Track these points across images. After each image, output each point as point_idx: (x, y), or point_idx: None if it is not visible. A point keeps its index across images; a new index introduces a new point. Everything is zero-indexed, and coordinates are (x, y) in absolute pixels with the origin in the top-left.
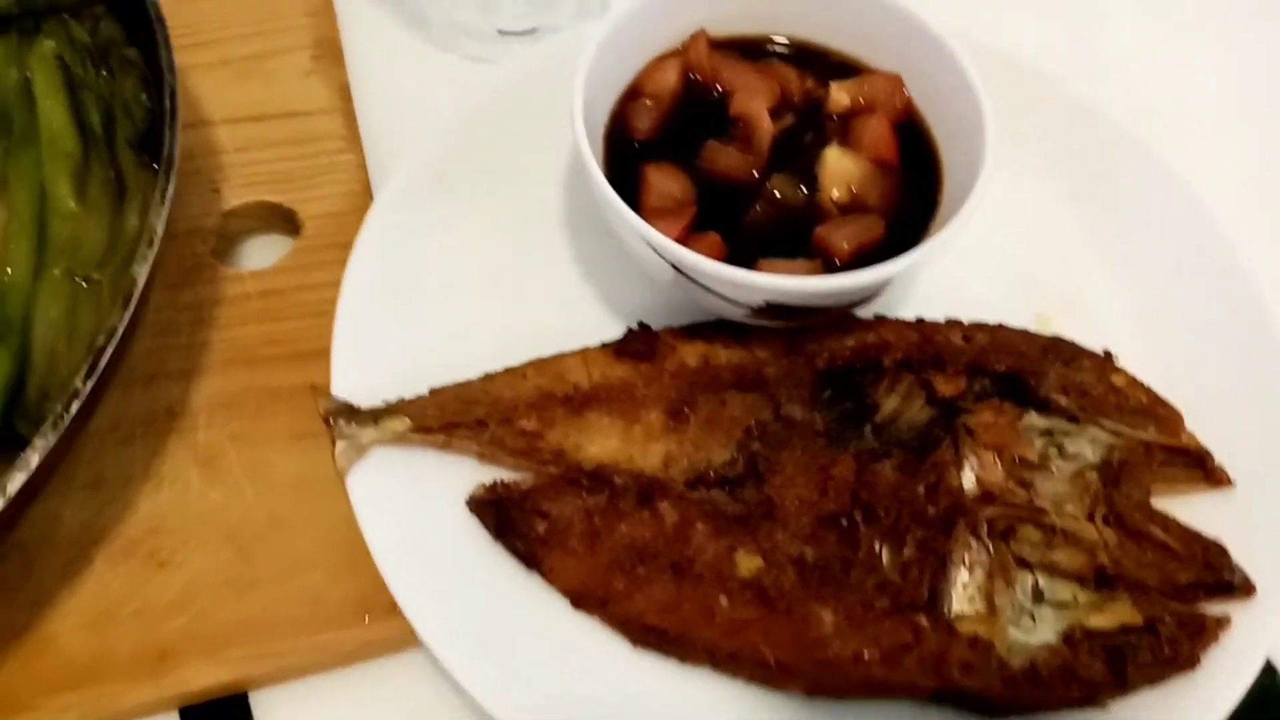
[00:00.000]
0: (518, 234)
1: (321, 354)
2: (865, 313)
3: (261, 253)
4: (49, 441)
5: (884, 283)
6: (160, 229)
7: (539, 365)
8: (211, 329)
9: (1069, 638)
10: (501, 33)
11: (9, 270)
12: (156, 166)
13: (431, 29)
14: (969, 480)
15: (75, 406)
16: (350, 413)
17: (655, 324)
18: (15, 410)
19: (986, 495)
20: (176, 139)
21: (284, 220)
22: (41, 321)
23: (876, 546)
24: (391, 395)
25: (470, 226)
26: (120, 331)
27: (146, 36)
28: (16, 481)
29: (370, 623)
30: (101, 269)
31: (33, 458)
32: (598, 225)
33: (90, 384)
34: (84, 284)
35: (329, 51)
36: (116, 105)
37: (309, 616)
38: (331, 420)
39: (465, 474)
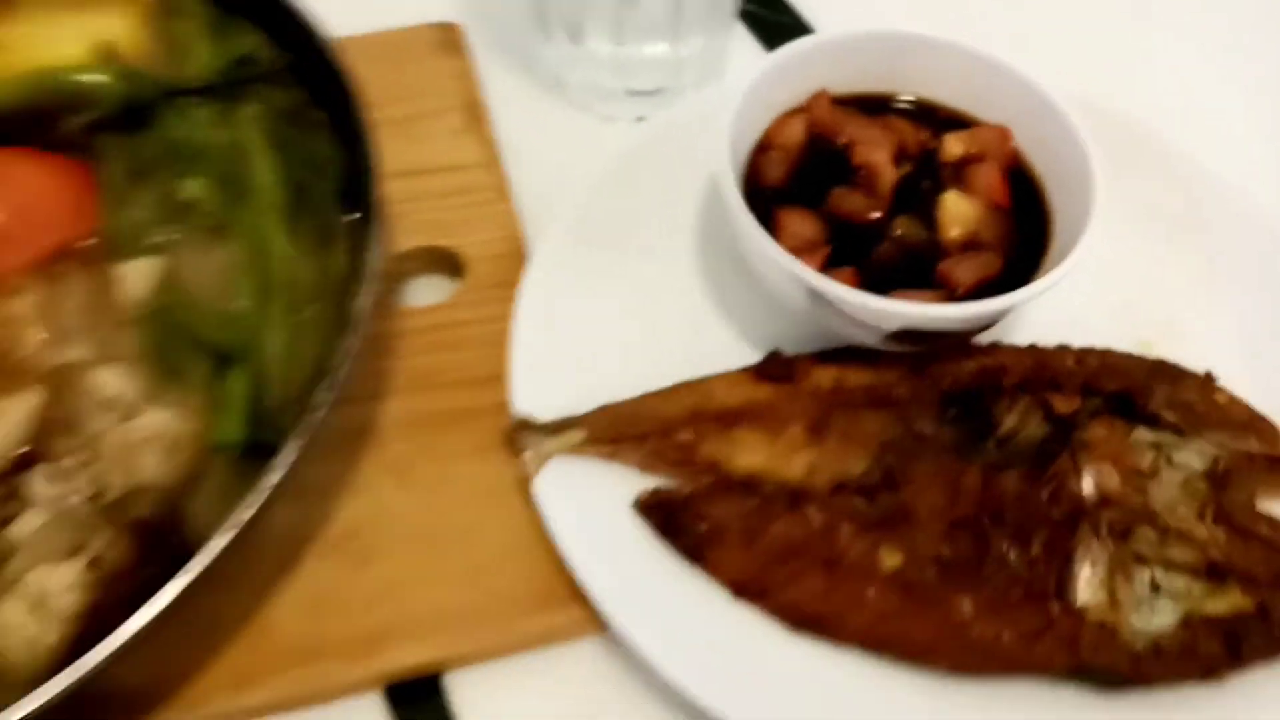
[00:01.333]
0: (659, 274)
1: (493, 380)
2: (982, 340)
3: (423, 293)
4: (303, 439)
5: (1007, 310)
6: (378, 264)
7: (689, 386)
8: (392, 359)
9: (1187, 623)
10: (630, 93)
11: (240, 303)
12: (356, 215)
13: (566, 91)
14: (1088, 487)
15: (328, 400)
16: (535, 426)
17: (787, 352)
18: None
19: (1104, 500)
20: (381, 183)
21: (446, 263)
22: (270, 348)
23: (1005, 546)
24: (561, 414)
25: (618, 270)
26: (352, 352)
27: (334, 100)
28: (273, 477)
29: (550, 611)
30: (314, 305)
31: (290, 454)
32: (730, 265)
33: (334, 391)
34: (301, 317)
35: (475, 113)
36: (314, 162)
37: (496, 606)
38: (519, 431)
39: (628, 482)
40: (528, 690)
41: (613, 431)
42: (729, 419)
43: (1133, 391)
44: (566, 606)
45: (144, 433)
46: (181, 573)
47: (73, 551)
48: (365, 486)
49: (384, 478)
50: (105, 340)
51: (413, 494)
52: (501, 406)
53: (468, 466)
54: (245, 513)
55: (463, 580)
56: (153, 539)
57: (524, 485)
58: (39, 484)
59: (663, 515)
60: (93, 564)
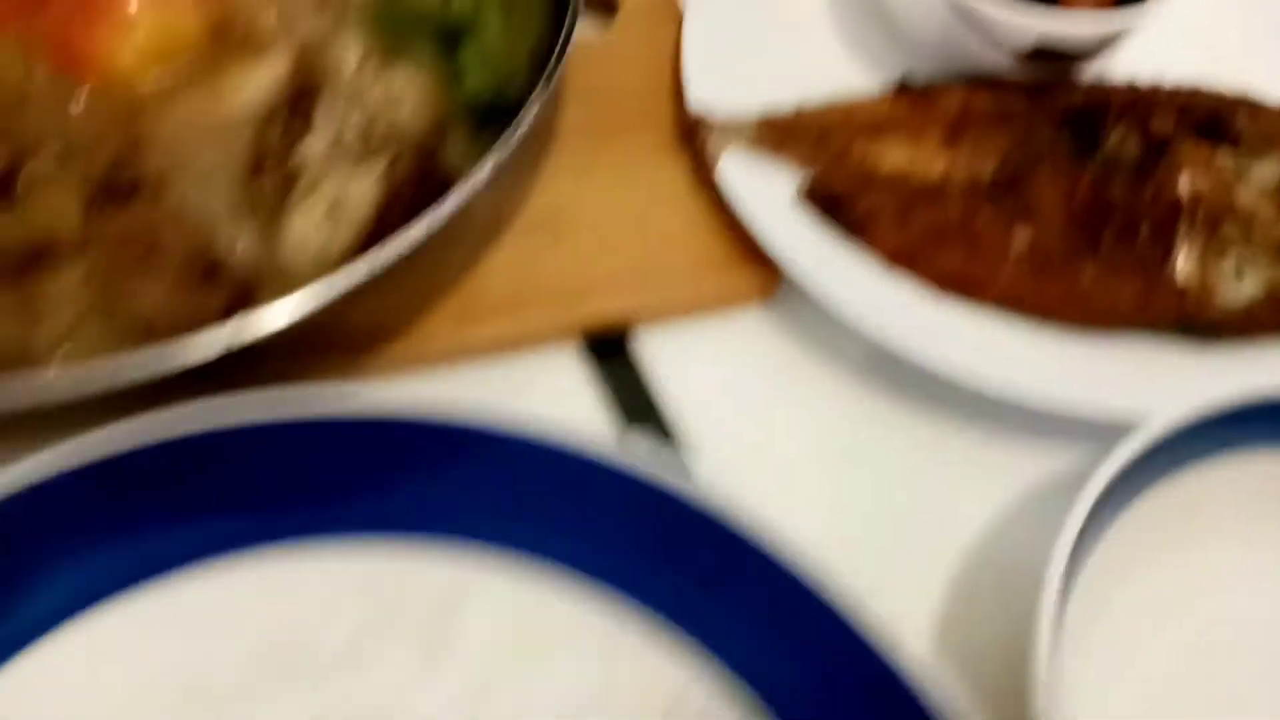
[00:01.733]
0: (797, 11)
1: (655, 97)
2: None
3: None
4: (545, 92)
5: (1128, 26)
6: None
7: (838, 105)
8: (565, 80)
9: (1270, 293)
10: None
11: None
12: None
13: None
14: (1183, 189)
15: (556, 71)
16: (712, 122)
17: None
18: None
19: (1196, 200)
20: None
21: (599, 4)
22: (491, 28)
23: (1116, 233)
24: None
25: (761, 10)
26: (570, 42)
27: None
28: (531, 113)
29: (727, 271)
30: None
31: (536, 104)
32: (859, 17)
33: (562, 61)
34: (507, 18)
35: None
36: None
37: (679, 268)
38: (698, 126)
39: (792, 176)
40: (705, 347)
41: (776, 132)
42: (874, 130)
43: (1218, 117)
44: (741, 268)
45: (394, 87)
46: (453, 192)
47: (361, 165)
48: (550, 182)
49: (567, 175)
50: (336, 20)
51: (594, 186)
52: (665, 120)
53: (642, 165)
54: (513, 140)
55: (648, 250)
56: (418, 173)
57: (697, 177)
58: (319, 116)
59: (823, 202)
60: (382, 176)
